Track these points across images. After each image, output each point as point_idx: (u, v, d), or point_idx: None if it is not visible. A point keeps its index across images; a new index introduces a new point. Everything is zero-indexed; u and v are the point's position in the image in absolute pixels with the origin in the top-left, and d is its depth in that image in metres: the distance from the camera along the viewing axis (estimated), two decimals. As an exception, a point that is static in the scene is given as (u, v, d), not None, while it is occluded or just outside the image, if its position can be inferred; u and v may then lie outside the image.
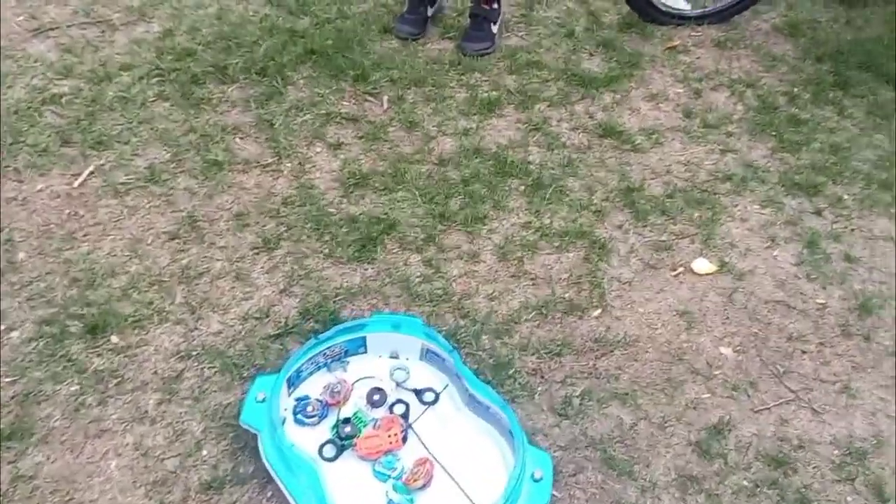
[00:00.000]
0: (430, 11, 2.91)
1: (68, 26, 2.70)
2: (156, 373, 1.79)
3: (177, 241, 2.08)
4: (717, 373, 1.87)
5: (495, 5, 2.86)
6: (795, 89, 2.76)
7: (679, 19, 3.02)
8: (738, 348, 1.93)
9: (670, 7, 3.03)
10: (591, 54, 2.87)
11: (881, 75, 2.83)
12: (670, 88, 2.74)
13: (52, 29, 2.68)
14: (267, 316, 1.93)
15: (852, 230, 2.25)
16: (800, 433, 1.77)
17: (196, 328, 1.89)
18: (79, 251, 2.01)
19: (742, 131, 2.58)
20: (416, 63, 2.73)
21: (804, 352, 1.93)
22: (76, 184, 2.18)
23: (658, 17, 3.01)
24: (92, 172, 2.22)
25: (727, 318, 2.00)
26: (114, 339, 1.84)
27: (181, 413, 1.73)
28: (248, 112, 2.48)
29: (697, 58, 2.89)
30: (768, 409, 1.81)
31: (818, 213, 2.30)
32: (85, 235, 2.05)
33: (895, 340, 1.97)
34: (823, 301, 2.05)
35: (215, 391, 1.77)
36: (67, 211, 2.11)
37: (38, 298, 1.90)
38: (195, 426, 1.71)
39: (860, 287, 2.09)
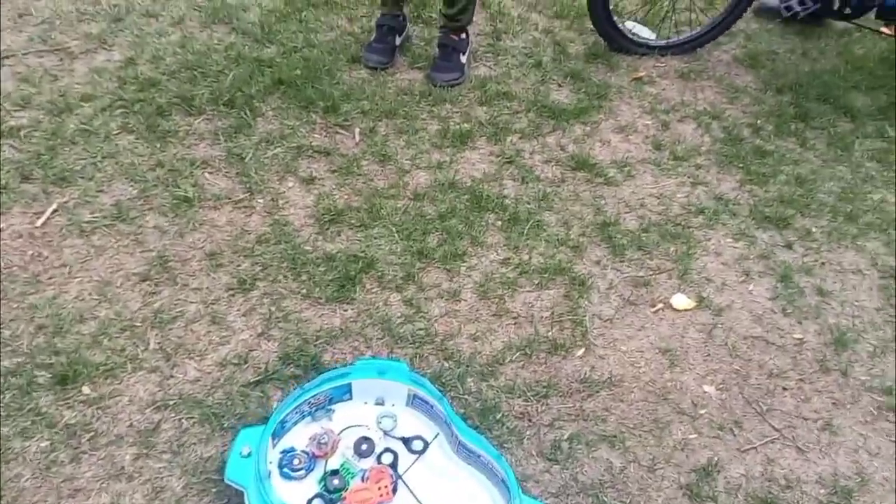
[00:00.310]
0: (398, 41, 2.88)
1: (24, 54, 2.59)
2: (131, 425, 1.72)
3: (148, 282, 2.00)
4: (702, 412, 1.88)
5: (463, 35, 2.86)
6: (759, 121, 2.82)
7: (645, 48, 3.07)
8: (721, 386, 1.95)
9: (636, 35, 3.08)
10: (560, 85, 2.89)
11: (839, 107, 2.91)
12: (638, 120, 2.77)
13: (7, 57, 2.57)
14: (245, 362, 1.87)
15: (822, 263, 2.30)
16: (786, 472, 1.79)
17: (172, 376, 1.82)
18: (44, 295, 1.92)
19: (710, 163, 2.62)
20: (386, 94, 2.70)
21: (785, 388, 1.96)
22: (39, 223, 2.08)
23: (625, 45, 3.05)
24: (55, 210, 2.12)
25: (708, 354, 2.02)
26: (85, 389, 1.75)
27: (160, 468, 1.66)
28: (217, 145, 2.41)
29: (663, 89, 2.93)
30: (754, 448, 1.83)
31: (789, 246, 2.35)
32: (50, 278, 1.96)
33: (870, 375, 2.02)
34: (800, 336, 2.08)
35: (195, 443, 1.70)
36: (30, 252, 2.01)
37: (3, 347, 1.80)
38: (175, 482, 1.64)
39: (834, 321, 2.13)
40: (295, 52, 2.81)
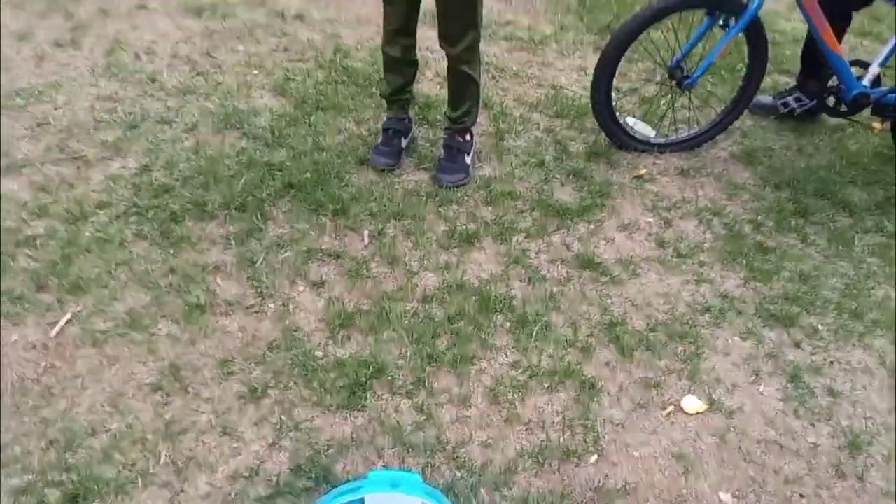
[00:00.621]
0: (404, 143, 2.97)
1: (41, 163, 2.67)
2: (141, 545, 1.70)
3: (160, 393, 2.01)
4: (719, 522, 1.86)
5: (468, 136, 2.94)
6: (759, 217, 2.87)
7: (645, 145, 3.15)
8: (738, 493, 1.93)
9: (637, 132, 3.17)
10: (563, 183, 2.95)
11: (837, 202, 2.97)
12: (641, 218, 2.82)
13: (24, 166, 2.64)
14: (257, 474, 1.86)
15: (831, 363, 2.31)
16: (809, 587, 1.76)
17: (183, 491, 1.80)
18: (56, 408, 1.92)
19: (714, 260, 2.66)
20: (394, 195, 2.77)
21: (802, 495, 1.93)
22: (53, 333, 2.11)
23: (626, 141, 3.13)
24: (69, 320, 2.15)
25: (722, 460, 2.00)
26: (95, 508, 1.74)
27: (170, 591, 1.63)
28: (229, 250, 2.46)
29: (663, 186, 3.00)
30: (775, 561, 1.80)
31: (797, 345, 2.36)
32: (63, 391, 1.97)
33: (887, 480, 2.00)
34: (814, 440, 2.07)
35: (206, 563, 1.68)
36: (44, 364, 2.03)
37: (14, 464, 1.79)
38: None
39: (847, 423, 2.13)
40: (304, 155, 2.88)
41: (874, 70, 3.04)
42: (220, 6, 3.69)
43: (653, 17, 2.84)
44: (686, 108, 3.25)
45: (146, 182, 2.64)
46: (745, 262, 2.66)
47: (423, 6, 2.60)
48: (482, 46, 2.75)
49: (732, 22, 2.86)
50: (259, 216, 2.57)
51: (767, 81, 3.64)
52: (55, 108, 2.94)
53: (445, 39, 2.66)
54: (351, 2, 3.87)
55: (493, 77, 3.53)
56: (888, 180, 3.09)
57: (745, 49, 3.07)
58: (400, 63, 2.79)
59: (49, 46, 3.26)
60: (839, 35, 3.08)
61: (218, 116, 3.02)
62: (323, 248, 2.51)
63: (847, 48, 3.56)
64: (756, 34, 2.97)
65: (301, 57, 3.48)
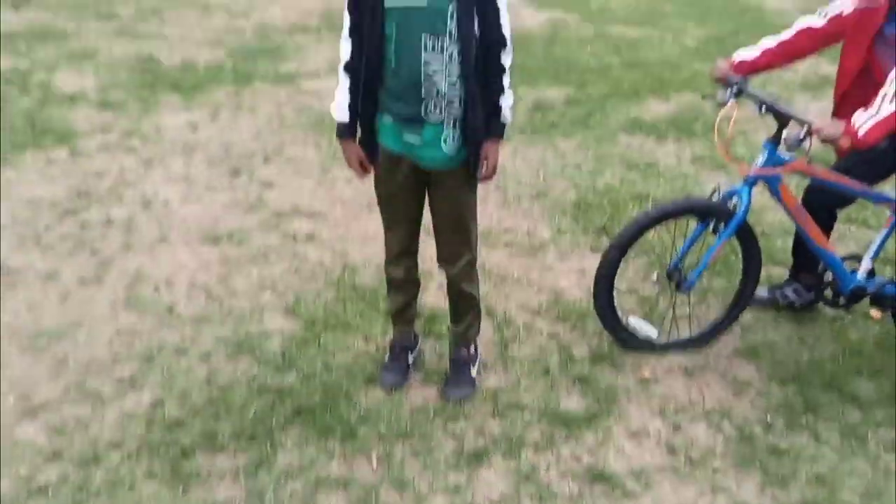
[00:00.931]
0: (410, 359, 3.04)
1: (59, 404, 2.75)
2: None
3: None
4: None
5: (472, 349, 3.02)
6: (768, 416, 2.86)
7: (648, 346, 3.20)
8: None
9: (639, 332, 3.23)
10: (569, 391, 2.97)
11: (845, 395, 2.96)
12: (649, 423, 2.82)
13: (42, 410, 2.72)
14: None
15: (860, 578, 2.22)
16: None
17: None
18: None
19: (727, 466, 2.62)
20: (401, 414, 2.80)
21: None
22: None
23: (630, 342, 3.19)
24: (74, 575, 2.13)
25: None
26: None
27: None
28: (237, 484, 2.47)
29: (669, 387, 3.01)
30: None
31: (823, 562, 2.28)
32: None
33: None
34: None
35: None
36: None
37: None
38: None
39: None
40: (314, 377, 2.95)
41: (867, 264, 3.13)
42: (237, 233, 3.93)
43: (648, 225, 3.01)
44: (686, 304, 3.32)
45: (159, 417, 2.70)
46: (759, 465, 2.62)
47: (422, 226, 2.78)
48: (484, 254, 2.89)
49: (722, 227, 3.00)
50: (268, 445, 2.61)
51: (761, 274, 3.75)
52: (75, 347, 3.06)
53: (443, 259, 2.82)
54: (357, 221, 4.10)
55: (495, 284, 3.65)
56: (893, 369, 3.09)
57: (738, 248, 3.19)
58: (403, 283, 2.93)
59: (74, 284, 3.45)
60: (827, 231, 3.21)
61: (231, 343, 3.13)
62: (331, 475, 2.52)
63: (836, 235, 3.69)
64: (746, 236, 3.11)
65: (311, 277, 3.65)
